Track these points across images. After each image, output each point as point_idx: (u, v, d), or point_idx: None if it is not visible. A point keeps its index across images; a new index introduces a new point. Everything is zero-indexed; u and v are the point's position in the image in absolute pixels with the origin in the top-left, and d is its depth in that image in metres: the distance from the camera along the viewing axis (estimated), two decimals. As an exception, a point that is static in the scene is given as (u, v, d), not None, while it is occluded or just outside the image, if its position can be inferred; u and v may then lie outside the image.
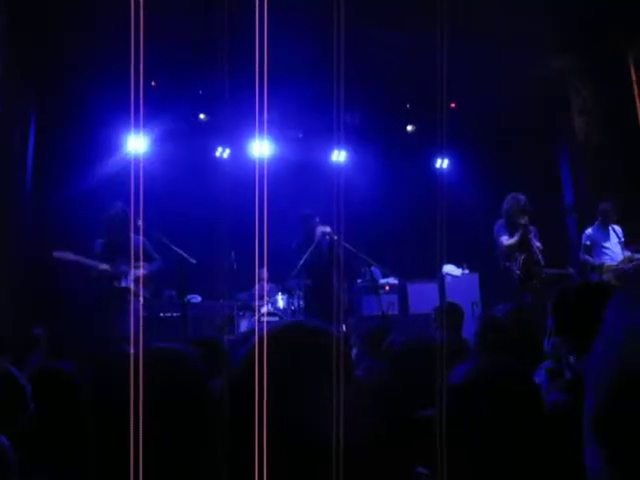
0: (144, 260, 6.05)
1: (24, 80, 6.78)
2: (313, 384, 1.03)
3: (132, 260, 5.90)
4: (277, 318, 7.06)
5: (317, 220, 6.92)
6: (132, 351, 1.20)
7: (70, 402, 1.97)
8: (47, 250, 5.90)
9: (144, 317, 6.15)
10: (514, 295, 6.02)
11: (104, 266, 5.88)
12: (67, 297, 7.00)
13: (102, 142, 7.97)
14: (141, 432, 1.08)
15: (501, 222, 6.30)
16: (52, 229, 7.19)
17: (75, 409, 1.92)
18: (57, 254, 5.78)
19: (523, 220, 6.08)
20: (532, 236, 6.15)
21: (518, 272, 6.08)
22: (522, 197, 6.21)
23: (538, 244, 6.21)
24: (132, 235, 5.94)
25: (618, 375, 0.64)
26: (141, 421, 1.09)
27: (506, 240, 6.18)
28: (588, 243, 7.08)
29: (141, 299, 5.96)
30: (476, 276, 7.96)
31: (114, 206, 5.91)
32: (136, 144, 7.90)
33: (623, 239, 7.06)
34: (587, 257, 7.08)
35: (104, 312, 5.95)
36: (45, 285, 7.02)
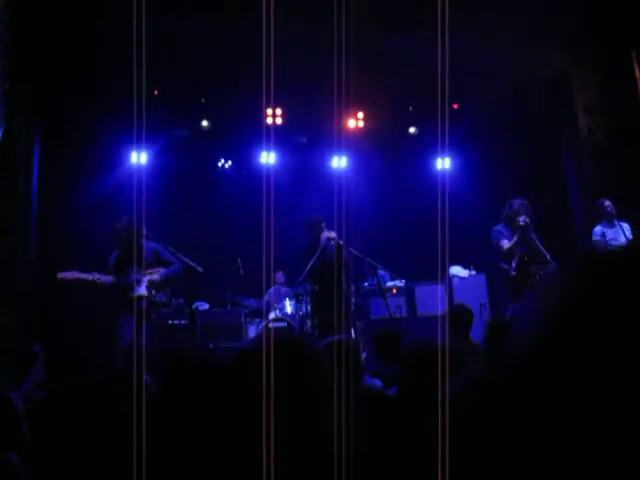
0: (162, 265, 6.09)
1: (27, 96, 6.80)
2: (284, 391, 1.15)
3: (143, 267, 5.92)
4: (285, 324, 7.04)
5: (324, 225, 6.87)
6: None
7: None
8: (55, 268, 5.90)
9: (154, 325, 6.14)
10: (514, 296, 6.13)
11: (110, 278, 5.87)
12: (76, 312, 7.05)
13: (105, 155, 7.99)
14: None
15: (498, 227, 6.44)
16: (58, 246, 7.23)
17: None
18: (61, 275, 5.75)
19: (521, 220, 6.19)
20: (533, 235, 6.26)
21: (514, 273, 6.18)
22: (518, 201, 6.34)
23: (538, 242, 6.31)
24: (144, 243, 5.98)
25: None
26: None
27: (507, 244, 6.35)
28: (600, 239, 7.04)
29: (144, 303, 5.95)
30: (483, 276, 7.92)
31: (120, 219, 5.93)
32: (139, 155, 7.91)
33: (631, 236, 7.00)
34: None
35: (119, 322, 5.95)
36: (54, 303, 7.08)
